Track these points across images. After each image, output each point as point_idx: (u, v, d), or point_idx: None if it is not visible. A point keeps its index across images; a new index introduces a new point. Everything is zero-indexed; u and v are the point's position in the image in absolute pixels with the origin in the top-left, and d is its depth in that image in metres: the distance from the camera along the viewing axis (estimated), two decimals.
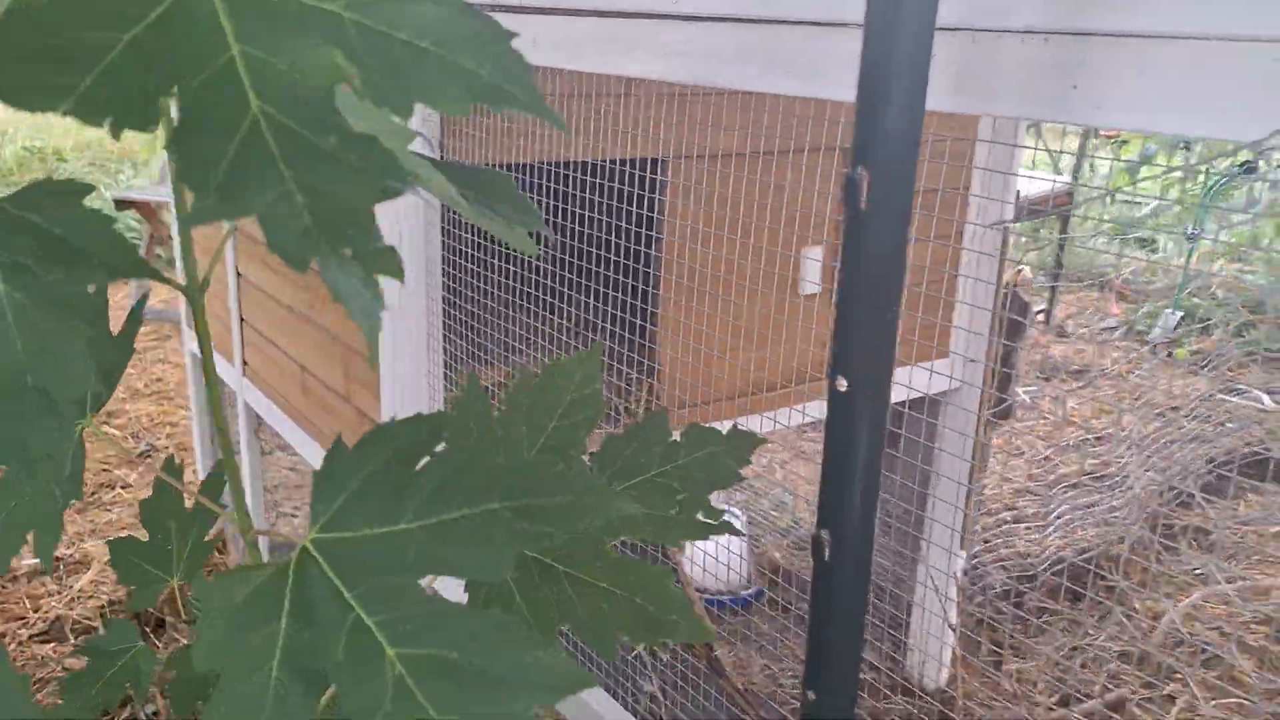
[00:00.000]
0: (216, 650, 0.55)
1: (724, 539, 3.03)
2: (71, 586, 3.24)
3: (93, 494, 3.84)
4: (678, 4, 1.09)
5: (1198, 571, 3.38)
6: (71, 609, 3.10)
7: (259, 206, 0.44)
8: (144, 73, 0.46)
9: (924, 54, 0.67)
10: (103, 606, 3.11)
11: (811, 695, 0.84)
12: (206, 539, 1.08)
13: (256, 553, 0.67)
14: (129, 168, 7.78)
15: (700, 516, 0.77)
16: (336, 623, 0.54)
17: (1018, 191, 2.56)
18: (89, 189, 0.53)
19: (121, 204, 5.11)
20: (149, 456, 4.12)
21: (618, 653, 0.70)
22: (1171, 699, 2.77)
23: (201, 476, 3.40)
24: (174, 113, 0.47)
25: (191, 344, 3.24)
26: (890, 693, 2.67)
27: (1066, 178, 5.74)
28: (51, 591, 3.21)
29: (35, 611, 3.09)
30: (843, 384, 0.72)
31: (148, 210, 5.06)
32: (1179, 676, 2.85)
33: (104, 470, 4.01)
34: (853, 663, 0.84)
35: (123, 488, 3.89)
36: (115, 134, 0.45)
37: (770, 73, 0.96)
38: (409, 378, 1.82)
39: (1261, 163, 4.36)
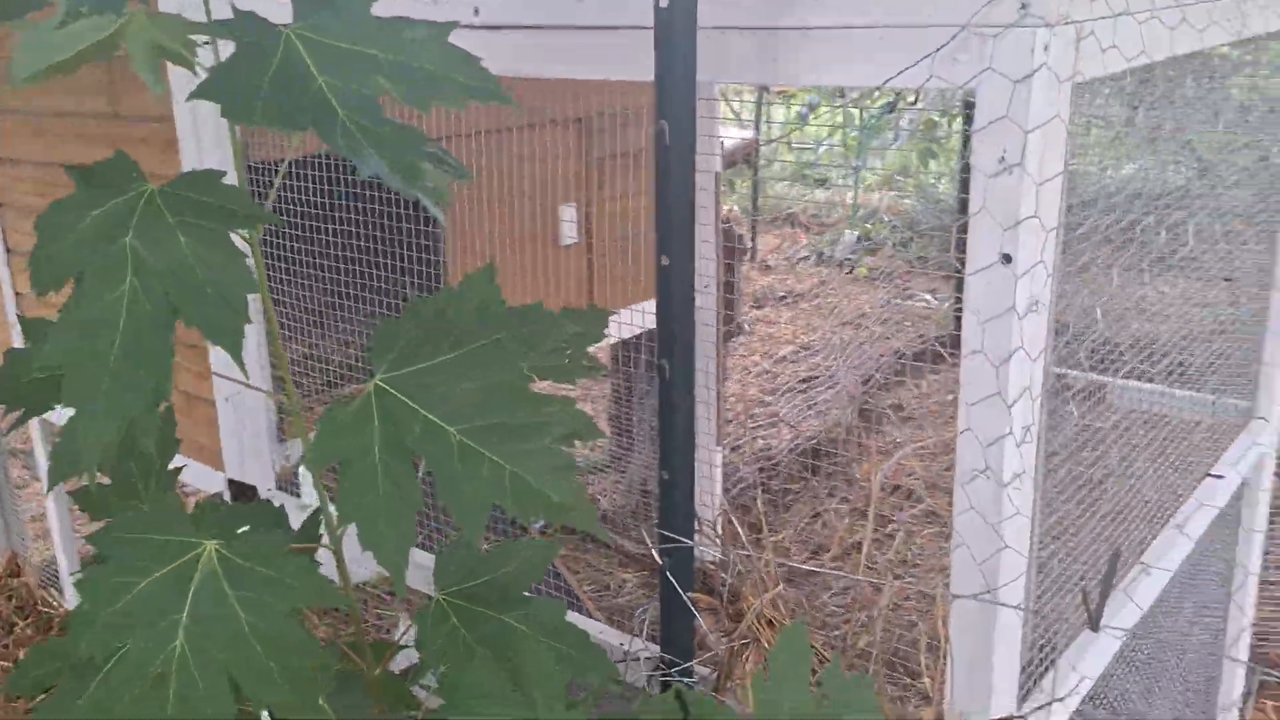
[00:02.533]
0: (337, 446, 0.88)
1: None
2: None
3: None
4: (478, 16, 1.45)
5: (898, 440, 4.15)
6: None
7: (374, 170, 0.79)
8: (284, 97, 0.79)
9: (692, 45, 1.10)
10: None
11: (665, 475, 1.26)
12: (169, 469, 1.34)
13: (304, 426, 1.00)
14: None
15: (584, 364, 1.16)
16: (411, 419, 0.89)
17: (721, 142, 3.09)
18: (223, 173, 0.84)
19: None
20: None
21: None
22: (892, 536, 3.47)
23: None
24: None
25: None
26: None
27: (751, 132, 6.49)
28: None
29: None
30: (665, 260, 1.14)
31: None
32: (894, 519, 3.56)
33: None
34: (689, 450, 1.27)
35: None
36: (290, 132, 0.78)
37: (575, 65, 1.36)
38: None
39: (900, 101, 5.24)
